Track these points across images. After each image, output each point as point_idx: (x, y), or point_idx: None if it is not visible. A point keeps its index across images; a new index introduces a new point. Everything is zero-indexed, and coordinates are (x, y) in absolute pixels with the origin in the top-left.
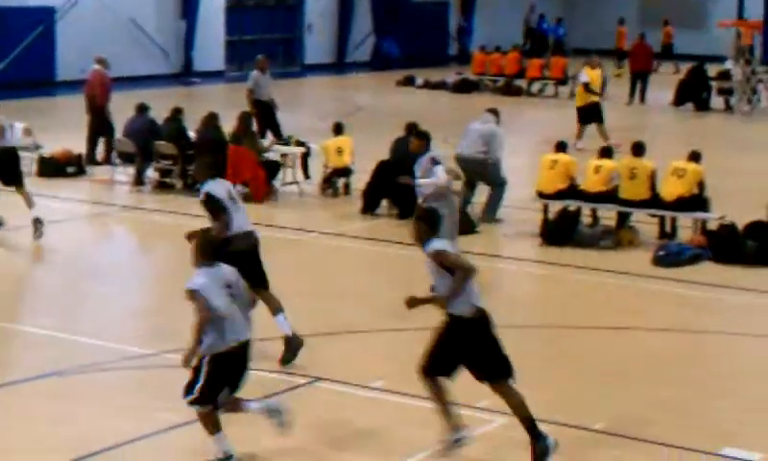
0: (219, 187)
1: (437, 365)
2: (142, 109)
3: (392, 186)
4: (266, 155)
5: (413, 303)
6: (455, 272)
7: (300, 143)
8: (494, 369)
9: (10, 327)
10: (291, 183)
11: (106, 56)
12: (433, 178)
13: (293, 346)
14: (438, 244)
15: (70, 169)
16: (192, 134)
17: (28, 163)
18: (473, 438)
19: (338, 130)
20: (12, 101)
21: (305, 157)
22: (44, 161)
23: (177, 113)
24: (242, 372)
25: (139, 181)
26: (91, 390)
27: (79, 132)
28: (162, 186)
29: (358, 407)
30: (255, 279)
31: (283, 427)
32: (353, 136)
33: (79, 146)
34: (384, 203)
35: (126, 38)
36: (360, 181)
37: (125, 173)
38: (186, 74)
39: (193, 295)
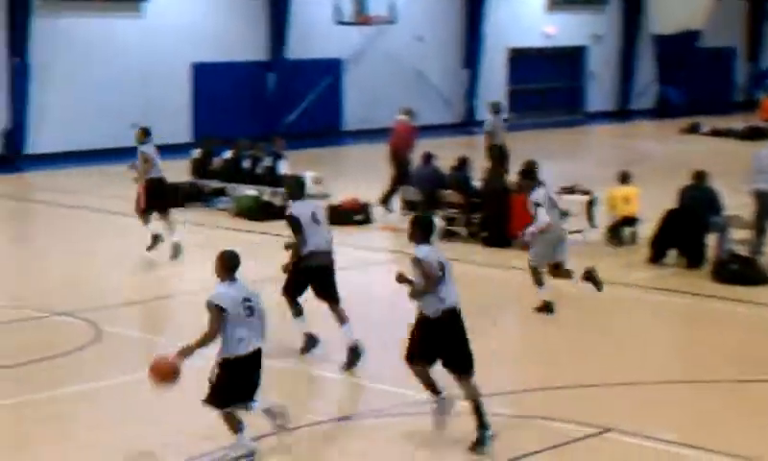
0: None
1: (417, 355)
2: (428, 158)
3: (680, 235)
4: None
5: (400, 278)
6: (424, 280)
7: (584, 191)
8: (460, 364)
9: (302, 369)
10: (576, 232)
11: (394, 106)
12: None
13: (355, 354)
14: (419, 252)
15: (357, 217)
16: (476, 184)
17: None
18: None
19: (624, 178)
20: (302, 150)
21: (590, 205)
22: (333, 210)
23: (462, 163)
24: (254, 377)
25: None
26: (380, 434)
27: (365, 180)
28: (447, 234)
29: (649, 460)
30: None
31: (280, 429)
32: (638, 184)
33: (365, 194)
34: (672, 252)
35: (410, 88)
36: (647, 229)
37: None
38: (468, 123)
39: (210, 306)
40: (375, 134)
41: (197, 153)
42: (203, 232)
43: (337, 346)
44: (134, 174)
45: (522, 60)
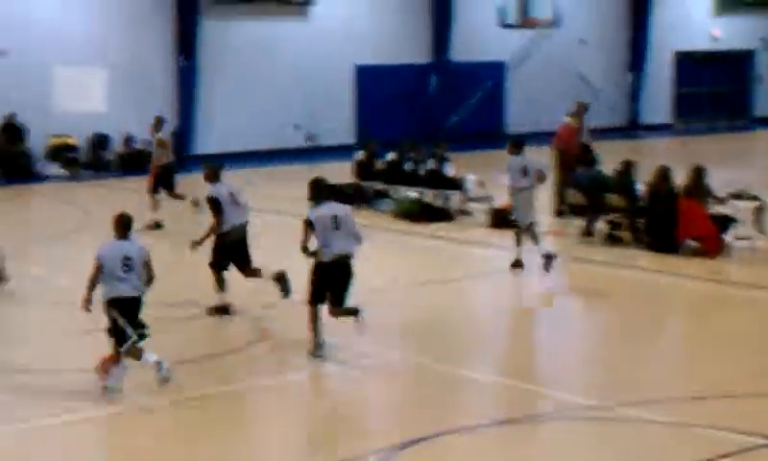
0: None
1: (316, 296)
2: (591, 162)
3: None
4: (719, 209)
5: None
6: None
7: (752, 197)
8: (340, 298)
9: (458, 373)
10: (744, 239)
11: (556, 109)
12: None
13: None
14: (309, 213)
15: None
16: (641, 187)
17: (480, 215)
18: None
19: None
20: (465, 153)
21: (759, 211)
22: (496, 213)
23: (627, 166)
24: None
25: (589, 233)
26: (543, 440)
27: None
28: (611, 239)
29: None
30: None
31: (163, 382)
32: None
33: None
34: None
35: (573, 92)
36: None
37: (574, 225)
38: (632, 127)
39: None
40: (538, 137)
41: (360, 155)
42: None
43: (484, 351)
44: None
45: (688, 64)
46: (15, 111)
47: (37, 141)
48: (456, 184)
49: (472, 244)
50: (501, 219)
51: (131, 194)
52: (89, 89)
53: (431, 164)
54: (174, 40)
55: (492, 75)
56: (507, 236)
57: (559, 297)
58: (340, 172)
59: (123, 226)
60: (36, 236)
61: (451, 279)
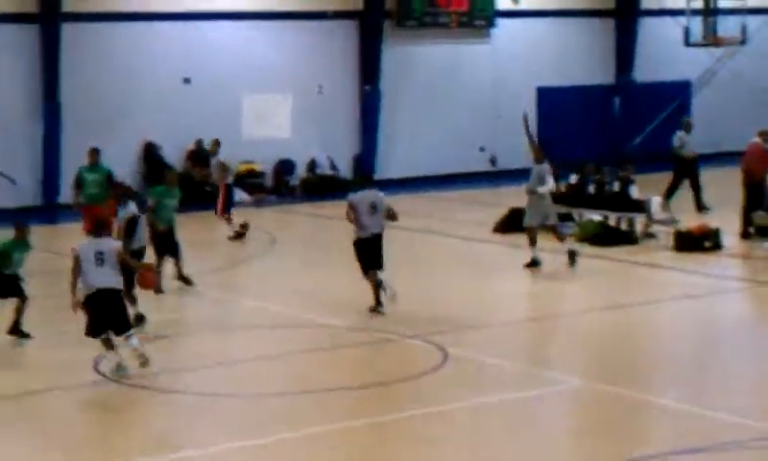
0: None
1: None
2: None
3: None
4: None
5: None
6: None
7: None
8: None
9: (642, 398)
10: None
11: (739, 128)
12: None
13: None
14: (351, 196)
15: (706, 243)
16: None
17: (664, 237)
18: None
19: None
20: (648, 174)
21: None
22: (681, 236)
23: None
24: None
25: None
26: None
27: (716, 205)
28: None
29: None
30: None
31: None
32: None
33: (715, 220)
34: None
35: (759, 112)
36: None
37: (762, 248)
38: None
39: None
40: (724, 158)
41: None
42: (546, 258)
43: (670, 376)
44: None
45: None
46: (202, 138)
47: None
48: (640, 207)
49: (657, 267)
50: (687, 242)
51: (314, 219)
52: (275, 116)
53: (616, 186)
54: (358, 66)
55: (677, 95)
56: (694, 259)
57: (746, 322)
58: (523, 195)
59: None
60: (223, 260)
61: (636, 303)
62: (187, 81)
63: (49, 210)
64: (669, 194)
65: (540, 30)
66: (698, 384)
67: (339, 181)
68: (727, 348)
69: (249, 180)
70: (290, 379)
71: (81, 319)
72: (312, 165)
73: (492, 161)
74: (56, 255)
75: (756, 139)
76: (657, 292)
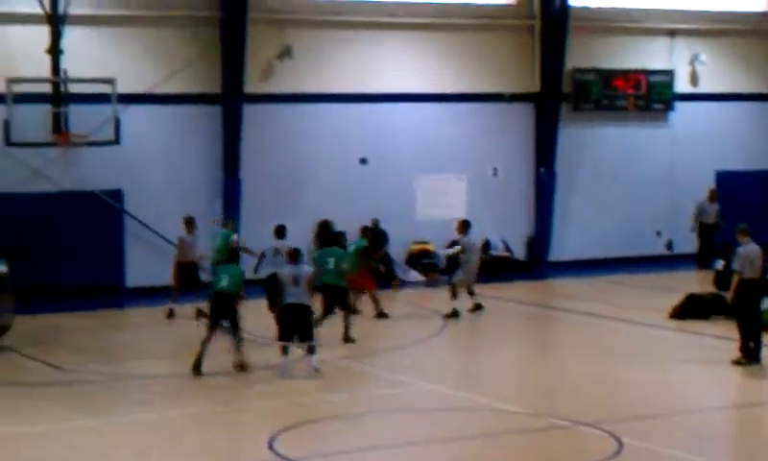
0: None
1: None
2: None
3: None
4: None
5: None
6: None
7: None
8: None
9: None
10: None
11: None
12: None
13: None
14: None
15: None
16: None
17: None
18: None
19: None
20: None
21: None
22: None
23: None
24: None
25: None
26: None
27: None
28: None
29: None
30: None
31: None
32: None
33: None
34: None
35: None
36: None
37: None
38: None
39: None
40: None
41: (720, 264)
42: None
43: None
44: None
45: None
46: (378, 217)
47: (397, 248)
48: None
49: None
50: None
51: (488, 300)
52: (448, 197)
53: None
54: (533, 149)
55: None
56: None
57: None
58: (702, 280)
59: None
60: (397, 340)
61: None
62: (364, 161)
63: None
64: None
65: (720, 113)
66: None
67: (513, 262)
68: None
69: (422, 259)
70: None
71: None
72: (486, 246)
73: (669, 246)
74: None
75: None
76: None
